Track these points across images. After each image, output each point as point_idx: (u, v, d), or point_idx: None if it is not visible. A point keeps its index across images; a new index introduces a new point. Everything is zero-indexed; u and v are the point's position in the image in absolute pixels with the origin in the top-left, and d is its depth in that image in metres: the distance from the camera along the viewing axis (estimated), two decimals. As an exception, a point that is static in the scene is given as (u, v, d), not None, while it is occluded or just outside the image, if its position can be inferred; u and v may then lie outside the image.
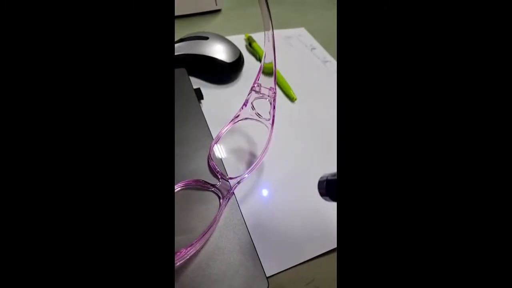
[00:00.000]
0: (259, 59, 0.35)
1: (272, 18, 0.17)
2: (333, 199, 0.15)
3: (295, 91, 0.30)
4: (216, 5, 0.42)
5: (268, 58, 0.20)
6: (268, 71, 0.20)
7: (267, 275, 0.17)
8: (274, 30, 0.18)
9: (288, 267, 0.18)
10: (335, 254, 0.19)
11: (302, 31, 0.41)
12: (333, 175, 0.15)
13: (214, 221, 0.18)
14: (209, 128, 0.24)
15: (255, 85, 0.22)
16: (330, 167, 0.24)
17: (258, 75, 0.21)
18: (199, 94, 0.27)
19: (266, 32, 0.18)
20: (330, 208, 0.21)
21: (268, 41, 0.19)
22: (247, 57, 0.34)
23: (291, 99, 0.30)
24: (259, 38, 0.36)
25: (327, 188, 0.15)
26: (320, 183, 0.16)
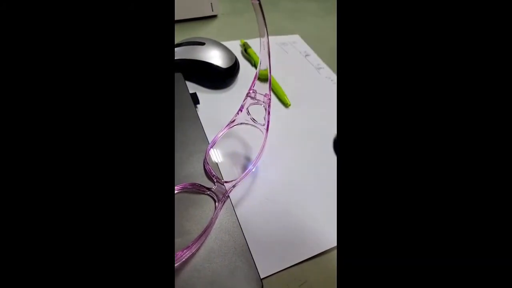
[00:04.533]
0: (254, 65, 0.35)
1: (267, 25, 0.18)
2: None
3: (289, 97, 0.31)
4: (212, 10, 0.43)
5: (263, 65, 0.20)
6: (264, 78, 0.21)
7: (261, 277, 0.18)
8: (269, 37, 0.19)
9: (281, 269, 0.19)
10: (327, 256, 0.20)
11: (296, 38, 0.42)
12: None
13: (210, 224, 0.18)
14: (205, 132, 0.24)
15: (251, 91, 0.22)
16: (323, 170, 0.25)
17: (253, 81, 0.22)
18: (195, 99, 0.27)
19: (261, 39, 0.19)
20: (323, 211, 0.22)
21: (264, 48, 0.19)
22: (243, 63, 0.35)
23: (285, 104, 0.31)
24: (254, 44, 0.37)
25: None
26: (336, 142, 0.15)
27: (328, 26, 0.45)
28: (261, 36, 0.19)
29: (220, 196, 0.20)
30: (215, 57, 0.30)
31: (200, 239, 0.17)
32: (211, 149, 0.23)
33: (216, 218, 0.19)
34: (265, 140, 0.23)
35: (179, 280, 0.16)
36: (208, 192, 0.20)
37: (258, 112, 0.23)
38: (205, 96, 0.30)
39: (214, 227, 0.19)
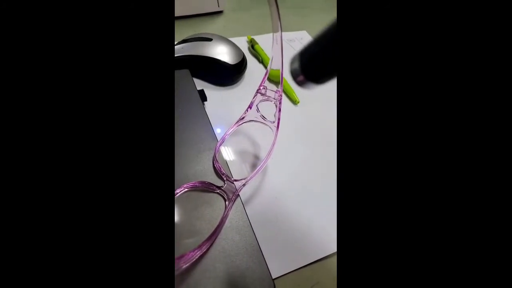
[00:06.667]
0: (261, 62, 0.35)
1: (281, 19, 0.17)
2: (315, 80, 0.12)
3: (297, 94, 0.30)
4: (219, 6, 0.42)
5: (275, 63, 0.20)
6: (274, 79, 0.21)
7: (273, 277, 0.17)
8: (277, 33, 0.18)
9: (293, 269, 0.18)
10: (339, 257, 0.19)
11: (303, 34, 0.41)
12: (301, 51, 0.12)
13: (220, 223, 0.18)
14: (213, 130, 0.24)
15: (261, 87, 0.22)
16: (333, 168, 0.24)
17: (264, 78, 0.21)
18: (202, 96, 0.27)
19: (274, 34, 0.18)
20: (334, 210, 0.22)
21: (276, 43, 0.19)
22: (249, 59, 0.34)
23: (294, 102, 0.30)
24: (261, 40, 0.36)
25: (304, 68, 0.12)
26: (294, 70, 0.12)
27: (335, 22, 0.45)
28: (274, 31, 0.18)
29: (230, 195, 0.20)
30: (222, 53, 0.30)
31: (210, 239, 0.17)
32: (221, 147, 0.23)
33: (227, 217, 0.19)
34: (275, 138, 0.22)
35: (190, 280, 0.16)
36: (218, 191, 0.20)
37: (267, 109, 0.23)
38: (213, 93, 0.29)
39: (224, 226, 0.18)
